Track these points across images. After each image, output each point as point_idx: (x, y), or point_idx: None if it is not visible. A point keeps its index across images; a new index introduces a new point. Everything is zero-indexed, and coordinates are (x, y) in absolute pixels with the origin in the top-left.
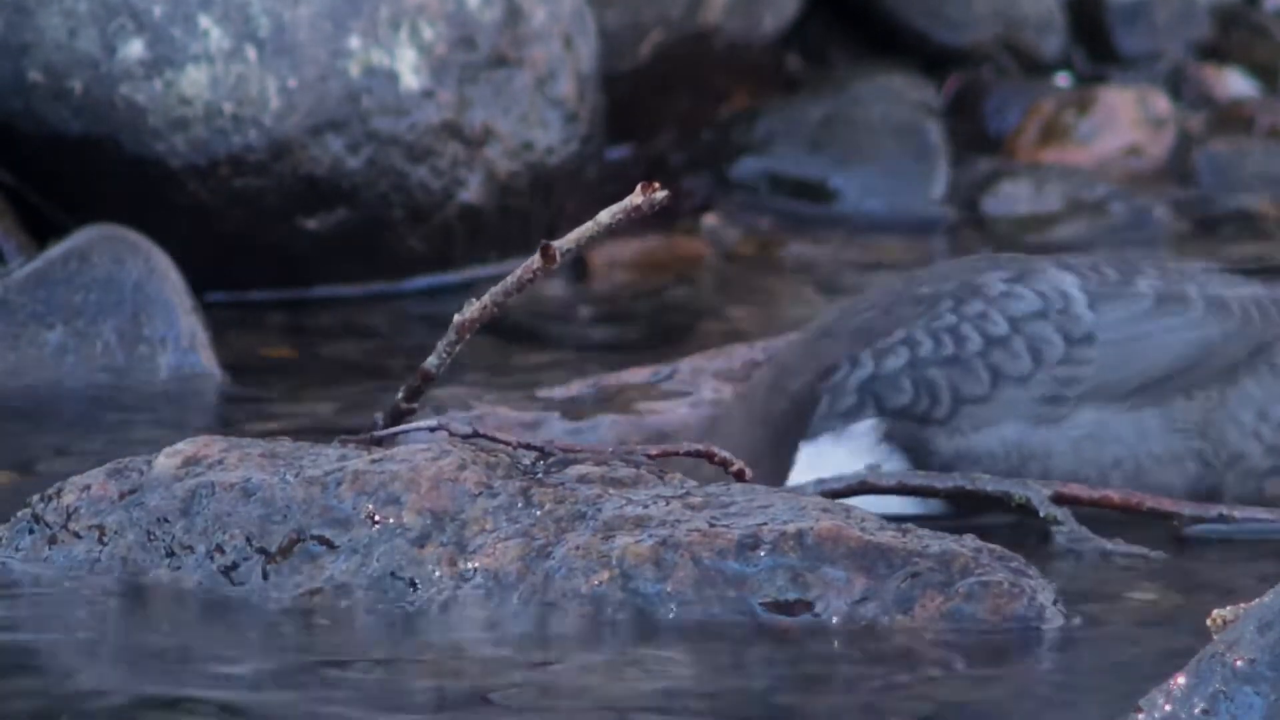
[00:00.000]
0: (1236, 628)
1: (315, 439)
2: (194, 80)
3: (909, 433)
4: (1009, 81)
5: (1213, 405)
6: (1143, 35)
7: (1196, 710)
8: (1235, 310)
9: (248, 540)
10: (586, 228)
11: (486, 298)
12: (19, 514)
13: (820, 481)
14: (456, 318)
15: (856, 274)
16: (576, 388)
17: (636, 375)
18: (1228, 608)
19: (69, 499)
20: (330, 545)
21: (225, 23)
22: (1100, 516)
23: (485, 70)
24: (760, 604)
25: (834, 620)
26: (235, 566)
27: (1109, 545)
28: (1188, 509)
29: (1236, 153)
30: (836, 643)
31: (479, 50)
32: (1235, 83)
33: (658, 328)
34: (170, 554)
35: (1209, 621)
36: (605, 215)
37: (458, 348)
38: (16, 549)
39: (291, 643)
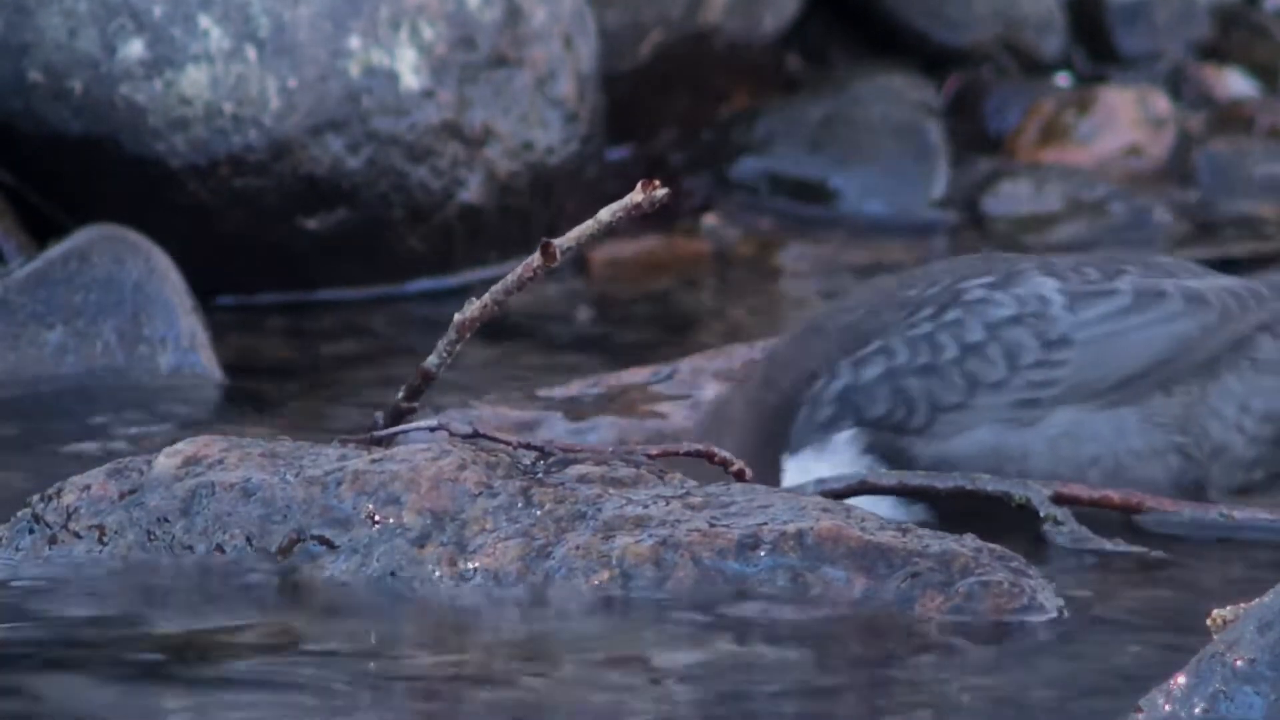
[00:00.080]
0: (1236, 628)
1: (315, 439)
2: (194, 80)
3: (887, 442)
4: (1009, 81)
5: (1194, 399)
6: (1143, 35)
7: (1196, 710)
8: (1214, 303)
9: (248, 540)
10: (587, 226)
11: (487, 296)
12: (19, 514)
13: (820, 481)
14: (457, 316)
15: (856, 274)
16: (576, 388)
17: (636, 375)
18: (1228, 608)
19: (69, 499)
20: (330, 545)
21: (225, 23)
22: (1100, 516)
23: (485, 70)
24: (760, 604)
25: (834, 620)
26: None
27: (1109, 545)
28: (1188, 509)
29: (1236, 153)
30: (836, 643)
31: (479, 50)
32: (1235, 83)
33: (658, 328)
34: (170, 554)
35: (1209, 621)
36: (605, 213)
37: (458, 347)
38: (16, 549)
39: (291, 642)
